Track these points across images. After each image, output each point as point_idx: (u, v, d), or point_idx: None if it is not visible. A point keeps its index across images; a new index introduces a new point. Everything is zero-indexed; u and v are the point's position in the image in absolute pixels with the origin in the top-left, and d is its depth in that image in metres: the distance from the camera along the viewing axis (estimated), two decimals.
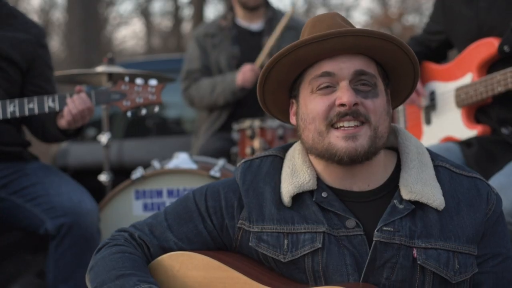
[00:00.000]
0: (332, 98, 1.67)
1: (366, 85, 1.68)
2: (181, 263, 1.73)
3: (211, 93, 4.03)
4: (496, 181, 2.45)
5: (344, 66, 1.67)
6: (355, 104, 1.65)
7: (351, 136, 1.65)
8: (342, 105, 1.65)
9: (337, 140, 1.66)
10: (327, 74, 1.67)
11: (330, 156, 1.68)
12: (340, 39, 1.64)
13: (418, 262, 1.65)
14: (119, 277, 1.65)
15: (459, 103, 2.86)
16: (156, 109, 2.84)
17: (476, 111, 2.84)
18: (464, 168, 1.79)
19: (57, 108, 2.68)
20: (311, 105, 1.69)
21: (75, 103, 2.64)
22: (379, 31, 1.68)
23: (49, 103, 2.68)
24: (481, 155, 2.69)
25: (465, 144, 2.76)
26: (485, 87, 2.69)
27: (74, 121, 2.69)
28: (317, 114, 1.68)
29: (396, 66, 1.73)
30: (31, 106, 2.66)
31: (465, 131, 2.84)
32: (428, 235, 1.66)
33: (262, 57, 3.91)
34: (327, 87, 1.68)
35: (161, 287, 1.72)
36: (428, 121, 3.12)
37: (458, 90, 2.87)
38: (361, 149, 1.65)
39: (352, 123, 1.65)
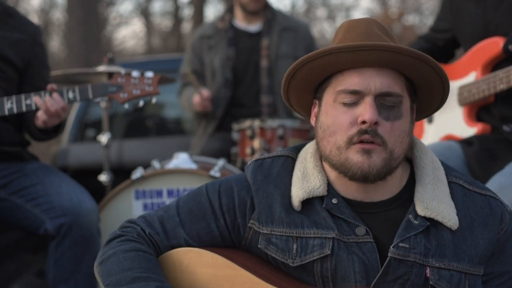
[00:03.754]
0: (354, 113, 1.64)
1: (390, 106, 1.64)
2: (190, 259, 1.71)
3: (187, 107, 4.12)
4: (496, 181, 2.44)
5: (372, 82, 1.63)
6: (376, 123, 1.62)
7: (367, 151, 1.62)
8: (363, 122, 1.62)
9: (354, 154, 1.63)
10: (355, 92, 1.64)
11: (344, 171, 1.66)
12: (372, 53, 1.61)
13: (431, 282, 1.63)
14: (135, 280, 1.62)
15: (462, 101, 2.86)
16: (154, 100, 2.84)
17: (479, 110, 2.84)
18: (477, 184, 1.76)
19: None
20: (332, 117, 1.67)
21: (47, 104, 2.64)
22: (414, 50, 1.64)
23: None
24: (482, 154, 2.69)
25: (466, 143, 2.76)
26: (488, 85, 2.69)
27: (50, 120, 2.68)
28: (339, 129, 1.65)
29: (426, 85, 1.71)
30: (28, 102, 2.66)
31: (466, 129, 2.84)
32: (442, 254, 1.65)
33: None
34: (351, 103, 1.65)
35: (168, 282, 1.70)
36: (430, 120, 3.12)
37: (461, 88, 2.87)
38: (374, 166, 1.63)
39: (369, 140, 1.63)
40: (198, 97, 3.90)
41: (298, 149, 1.82)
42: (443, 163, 1.78)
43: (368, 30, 1.68)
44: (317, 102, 1.75)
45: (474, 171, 2.66)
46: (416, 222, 1.66)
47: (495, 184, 2.42)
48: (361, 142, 1.63)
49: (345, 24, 1.73)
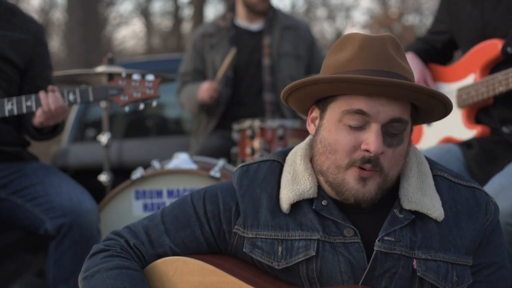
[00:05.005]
0: (359, 137, 1.62)
1: (395, 133, 1.64)
2: (176, 268, 1.71)
3: (189, 101, 4.11)
4: (496, 182, 2.44)
5: (382, 110, 1.61)
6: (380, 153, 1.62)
7: (363, 179, 1.63)
8: (368, 150, 1.61)
9: (351, 177, 1.63)
10: (362, 112, 1.61)
11: (338, 191, 1.67)
12: (389, 89, 1.58)
13: (418, 274, 1.64)
14: None
15: (460, 104, 2.86)
16: (154, 103, 2.84)
17: (478, 112, 2.84)
18: (462, 177, 1.78)
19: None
20: (336, 136, 1.64)
21: (48, 101, 2.64)
22: (431, 89, 1.63)
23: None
24: (481, 156, 2.68)
25: (466, 145, 2.76)
26: (487, 87, 2.69)
27: (47, 120, 2.68)
28: (341, 150, 1.63)
29: (429, 111, 1.71)
30: (29, 103, 2.66)
31: (465, 132, 2.84)
32: (428, 246, 1.66)
33: (222, 71, 3.92)
34: (357, 127, 1.62)
35: None
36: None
37: (460, 91, 2.87)
38: (368, 195, 1.64)
39: (369, 169, 1.63)
40: (209, 83, 3.91)
41: (284, 153, 1.82)
42: (427, 158, 1.80)
43: (383, 51, 1.63)
44: (318, 112, 1.72)
45: (474, 174, 2.66)
46: (401, 216, 1.67)
47: (495, 185, 2.42)
48: (360, 168, 1.63)
49: (359, 38, 1.65)
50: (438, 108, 1.69)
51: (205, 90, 3.94)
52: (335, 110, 1.66)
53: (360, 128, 1.63)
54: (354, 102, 1.62)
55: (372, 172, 1.63)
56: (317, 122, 1.72)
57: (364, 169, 1.62)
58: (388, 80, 1.57)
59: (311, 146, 1.79)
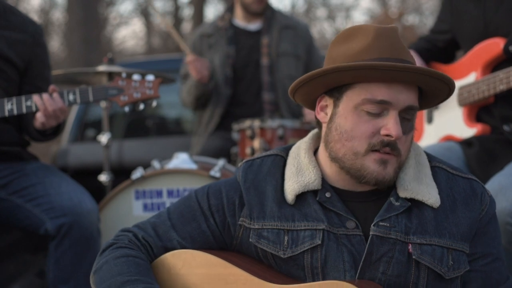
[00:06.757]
0: (377, 124, 1.68)
1: (409, 119, 1.70)
2: (184, 261, 1.76)
3: (188, 93, 4.10)
4: (496, 182, 2.44)
5: (401, 98, 1.67)
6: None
7: (384, 161, 1.67)
8: (389, 135, 1.66)
9: (371, 162, 1.68)
10: (384, 102, 1.66)
11: (357, 176, 1.71)
12: (408, 74, 1.65)
13: (413, 257, 1.68)
14: (124, 283, 1.68)
15: (461, 102, 2.86)
16: (154, 103, 2.84)
17: (479, 110, 2.84)
18: (460, 170, 1.83)
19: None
20: (353, 123, 1.69)
21: (44, 104, 2.64)
22: (445, 75, 1.67)
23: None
24: (482, 155, 2.69)
25: (466, 144, 2.76)
26: (488, 86, 2.69)
27: (48, 121, 2.67)
28: (360, 137, 1.68)
29: (433, 95, 1.77)
30: (29, 103, 2.66)
31: (465, 130, 2.84)
32: (423, 231, 1.70)
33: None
34: (376, 113, 1.67)
35: (164, 285, 1.76)
36: (429, 120, 3.12)
37: (461, 89, 2.87)
38: (388, 177, 1.69)
39: (388, 152, 1.68)
40: (191, 56, 3.92)
41: (286, 148, 1.88)
42: (425, 152, 1.84)
43: (397, 41, 1.70)
44: (331, 100, 1.75)
45: (475, 172, 2.66)
46: (397, 203, 1.72)
47: (494, 184, 2.42)
48: (379, 151, 1.68)
49: (372, 29, 1.70)
50: (443, 92, 1.74)
51: (189, 63, 3.94)
52: (352, 97, 1.69)
53: (378, 114, 1.68)
54: (375, 91, 1.66)
55: (391, 155, 1.68)
56: (328, 110, 1.76)
57: (385, 152, 1.67)
58: (413, 66, 1.64)
59: (316, 139, 1.85)
